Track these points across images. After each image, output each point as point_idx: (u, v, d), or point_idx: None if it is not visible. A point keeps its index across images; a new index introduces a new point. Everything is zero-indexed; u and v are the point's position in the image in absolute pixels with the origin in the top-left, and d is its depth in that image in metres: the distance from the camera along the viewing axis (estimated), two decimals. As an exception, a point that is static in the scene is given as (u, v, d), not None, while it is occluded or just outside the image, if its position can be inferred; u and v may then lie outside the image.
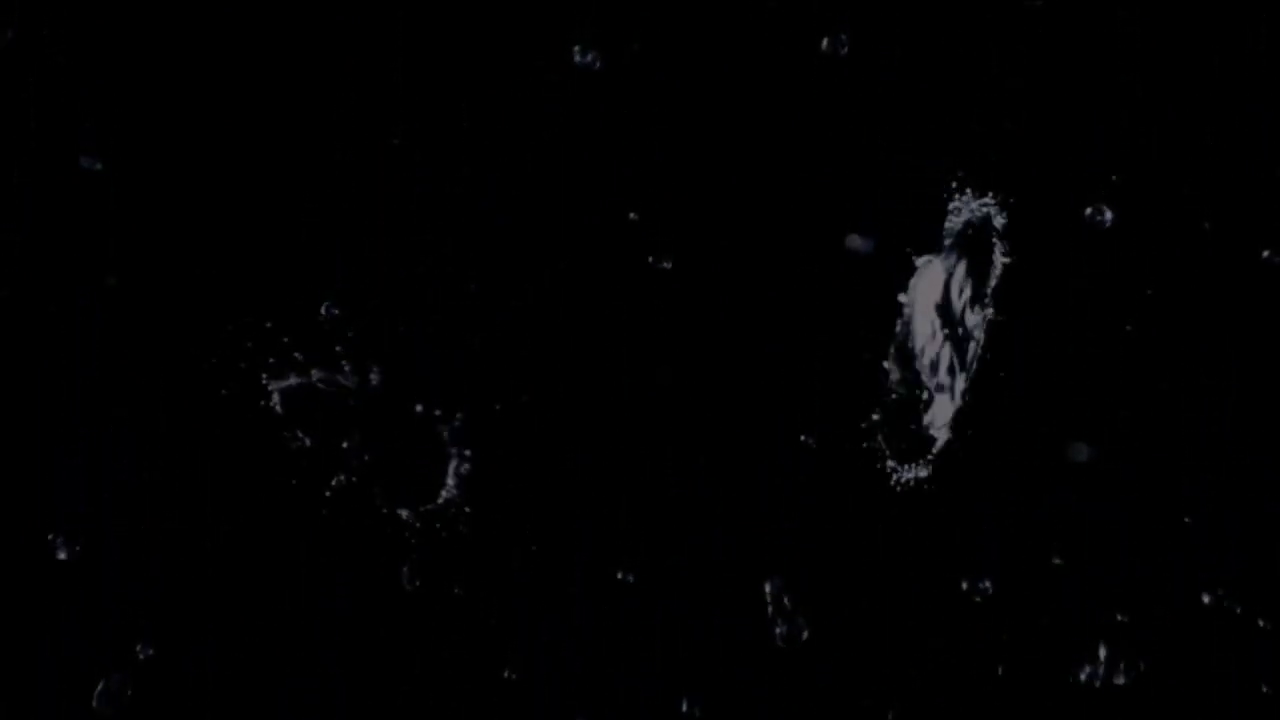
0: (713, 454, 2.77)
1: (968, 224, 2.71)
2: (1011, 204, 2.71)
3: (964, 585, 2.72)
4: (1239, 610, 2.72)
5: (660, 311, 2.76)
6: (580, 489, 2.75)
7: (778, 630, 2.70)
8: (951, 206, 2.71)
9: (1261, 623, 2.70)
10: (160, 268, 2.70)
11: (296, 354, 2.67)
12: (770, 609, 2.71)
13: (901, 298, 2.71)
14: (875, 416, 2.71)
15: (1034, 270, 2.73)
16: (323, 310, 2.67)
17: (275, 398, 2.64)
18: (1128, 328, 2.75)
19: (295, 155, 2.71)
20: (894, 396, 2.70)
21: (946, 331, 2.69)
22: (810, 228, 2.77)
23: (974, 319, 2.70)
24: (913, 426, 2.70)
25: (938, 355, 2.71)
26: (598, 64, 2.70)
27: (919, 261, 2.70)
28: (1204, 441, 2.75)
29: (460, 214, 2.75)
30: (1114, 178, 2.73)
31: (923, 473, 2.72)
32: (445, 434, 2.67)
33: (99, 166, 2.67)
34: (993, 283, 2.72)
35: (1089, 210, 2.71)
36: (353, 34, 2.71)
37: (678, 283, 2.75)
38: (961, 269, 2.69)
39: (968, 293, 2.69)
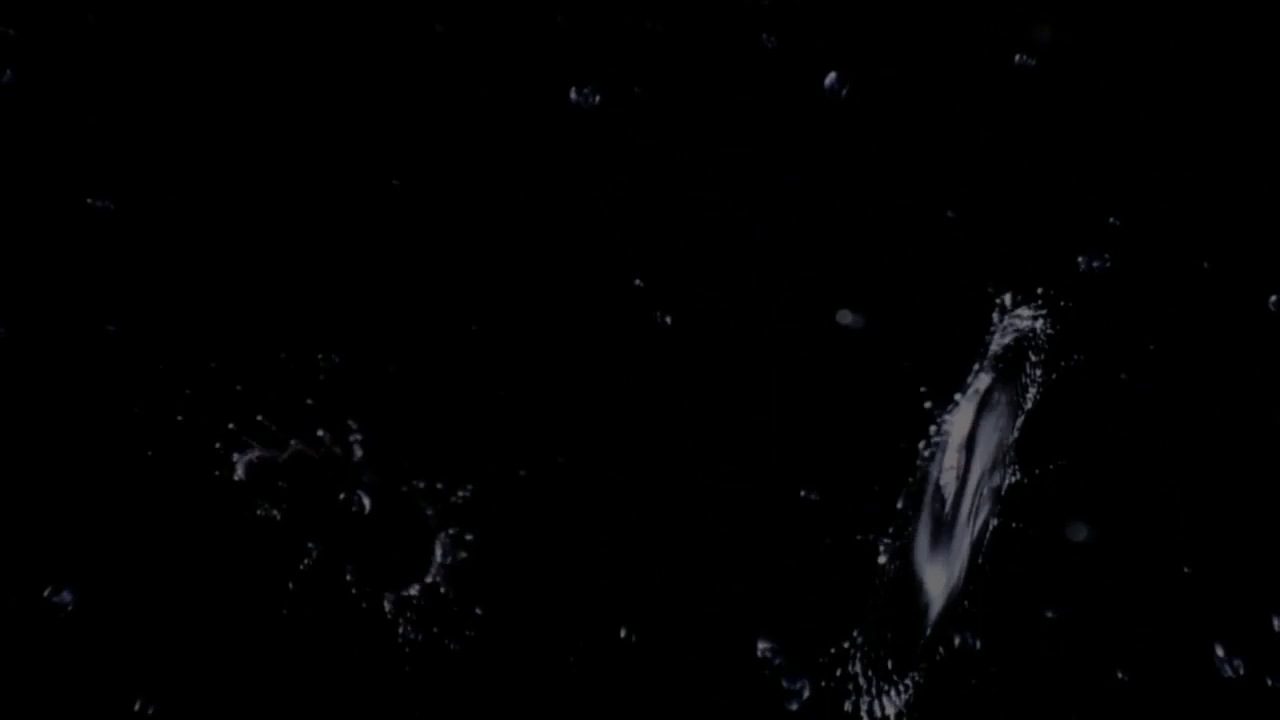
0: (708, 508, 2.77)
1: (1006, 350, 2.59)
2: (1058, 310, 2.61)
3: (955, 640, 2.69)
4: (1244, 670, 2.65)
5: (659, 373, 2.75)
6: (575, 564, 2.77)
7: (777, 686, 2.71)
8: (995, 323, 2.61)
9: (1270, 681, 2.62)
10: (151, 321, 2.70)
11: (267, 421, 2.63)
12: (767, 669, 2.72)
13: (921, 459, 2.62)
14: (856, 636, 2.65)
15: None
16: (315, 364, 2.65)
17: (240, 470, 2.58)
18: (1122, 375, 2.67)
19: (291, 204, 2.72)
20: (881, 605, 2.62)
21: (957, 508, 2.60)
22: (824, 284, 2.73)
23: (991, 486, 2.60)
24: (898, 639, 2.63)
25: (943, 538, 2.61)
26: (596, 99, 2.68)
27: (940, 421, 2.62)
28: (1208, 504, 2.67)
29: (449, 274, 2.77)
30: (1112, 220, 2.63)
31: (901, 698, 2.66)
32: (430, 513, 2.67)
33: (107, 204, 2.68)
34: (1021, 423, 2.62)
35: (1084, 259, 2.62)
36: (343, 77, 2.73)
37: (679, 347, 2.74)
38: (990, 425, 2.58)
39: (992, 450, 2.59)
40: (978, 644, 2.67)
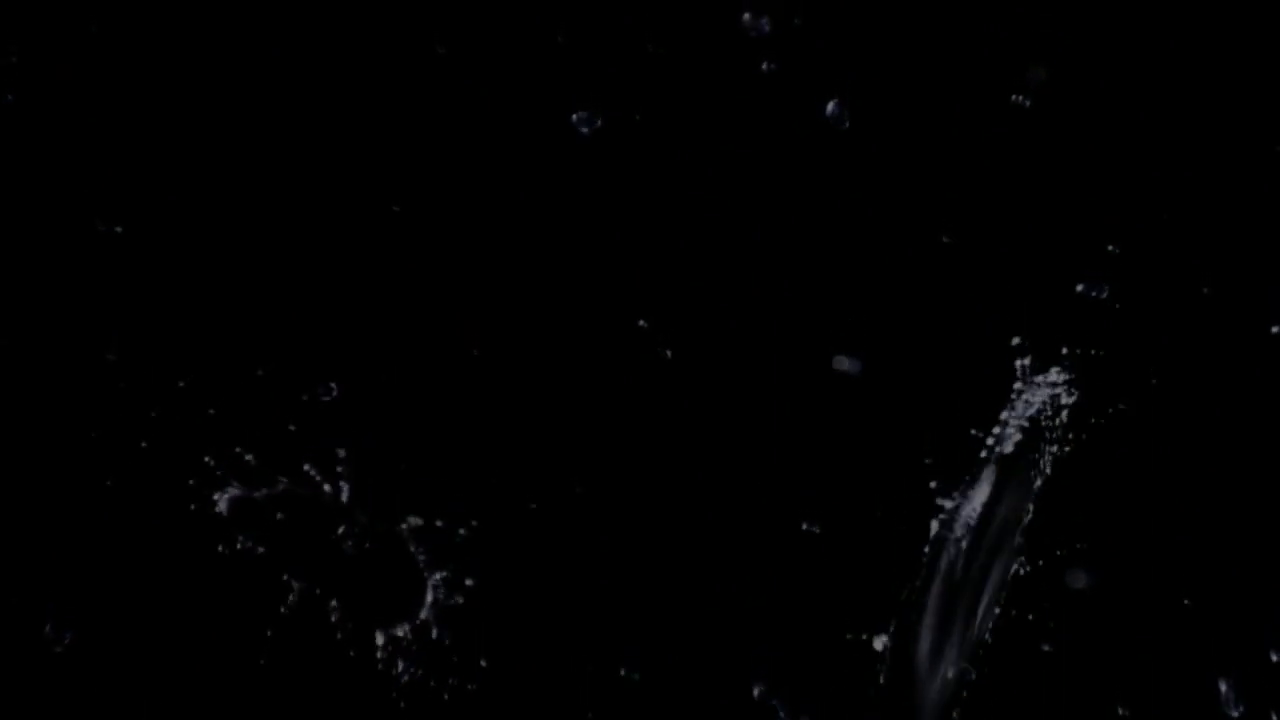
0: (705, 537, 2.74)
1: (1025, 421, 2.56)
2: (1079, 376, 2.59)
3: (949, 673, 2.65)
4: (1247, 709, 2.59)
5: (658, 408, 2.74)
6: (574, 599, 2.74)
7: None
8: (1015, 391, 2.58)
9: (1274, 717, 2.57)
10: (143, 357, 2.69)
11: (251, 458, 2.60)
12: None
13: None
14: None
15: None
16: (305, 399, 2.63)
17: (224, 508, 2.54)
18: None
19: (284, 234, 2.72)
20: (881, 687, 2.58)
21: (961, 590, 2.56)
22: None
23: (1000, 567, 2.57)
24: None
25: (946, 623, 2.56)
26: (596, 123, 2.69)
27: (952, 498, 2.59)
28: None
29: (445, 301, 2.77)
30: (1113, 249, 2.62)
31: None
32: (421, 551, 2.62)
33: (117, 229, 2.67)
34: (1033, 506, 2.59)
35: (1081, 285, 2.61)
36: (342, 98, 2.75)
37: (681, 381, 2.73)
38: (1002, 504, 2.55)
39: (1003, 529, 2.55)
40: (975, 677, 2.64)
